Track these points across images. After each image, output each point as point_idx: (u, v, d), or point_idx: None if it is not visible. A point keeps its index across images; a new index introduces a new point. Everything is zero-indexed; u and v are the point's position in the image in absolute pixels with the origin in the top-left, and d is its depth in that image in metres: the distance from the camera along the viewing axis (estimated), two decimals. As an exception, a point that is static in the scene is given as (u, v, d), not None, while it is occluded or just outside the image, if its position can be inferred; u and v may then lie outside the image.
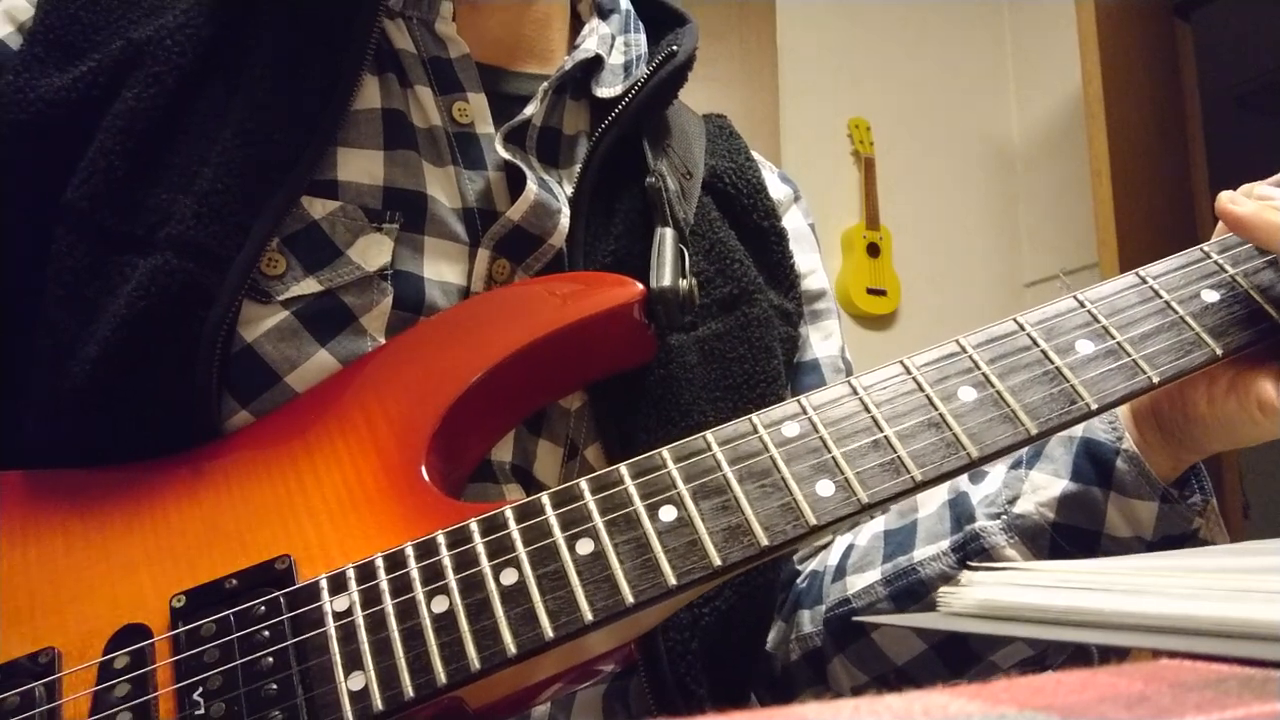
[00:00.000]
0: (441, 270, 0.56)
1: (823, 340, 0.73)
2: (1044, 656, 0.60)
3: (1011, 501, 0.58)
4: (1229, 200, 0.50)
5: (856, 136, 3.05)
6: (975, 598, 0.38)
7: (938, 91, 3.22)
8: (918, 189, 3.12)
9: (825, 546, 0.70)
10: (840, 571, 0.65)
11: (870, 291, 2.93)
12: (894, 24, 3.20)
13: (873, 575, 0.62)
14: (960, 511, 0.61)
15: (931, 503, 0.63)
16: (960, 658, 0.61)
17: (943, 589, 0.41)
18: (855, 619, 0.62)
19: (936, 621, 0.42)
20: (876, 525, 0.66)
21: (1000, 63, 3.35)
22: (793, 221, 0.75)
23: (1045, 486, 0.57)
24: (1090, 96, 2.53)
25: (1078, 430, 0.57)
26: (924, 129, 3.17)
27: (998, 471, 0.61)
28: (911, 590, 0.60)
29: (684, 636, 0.57)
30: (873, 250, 2.96)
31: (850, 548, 0.66)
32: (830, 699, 0.67)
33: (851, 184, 3.04)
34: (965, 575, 0.40)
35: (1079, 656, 0.57)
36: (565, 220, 0.58)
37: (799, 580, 0.68)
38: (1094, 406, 0.44)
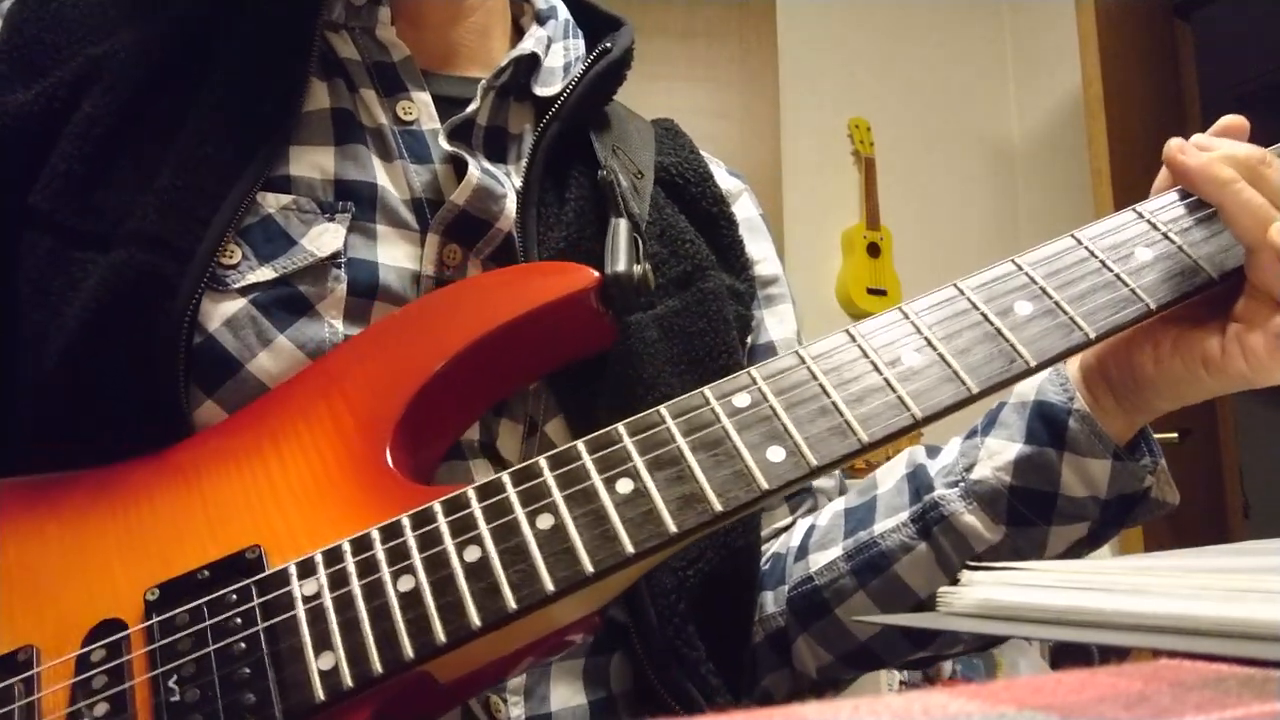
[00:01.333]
0: (395, 256, 0.58)
1: (778, 324, 0.75)
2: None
3: (968, 469, 0.59)
4: (1178, 149, 0.52)
5: (856, 136, 3.05)
6: (975, 597, 0.39)
7: (938, 91, 3.22)
8: (918, 189, 3.12)
9: (786, 529, 0.71)
10: (802, 551, 0.66)
11: (870, 291, 2.93)
12: (894, 24, 3.20)
13: (834, 552, 0.63)
14: (919, 484, 0.62)
15: (890, 478, 0.64)
16: (922, 631, 0.62)
17: (942, 589, 0.41)
18: (853, 620, 0.62)
19: (936, 621, 0.42)
20: (837, 505, 0.67)
21: (1000, 63, 3.35)
22: (743, 211, 0.77)
23: (1000, 451, 0.58)
24: (1090, 96, 2.54)
25: (1030, 395, 0.58)
26: (924, 129, 3.17)
27: (954, 443, 0.62)
28: (873, 563, 0.61)
29: (670, 600, 0.58)
30: (873, 250, 2.96)
31: (812, 528, 0.67)
32: (779, 690, 0.68)
33: (851, 184, 3.04)
34: (965, 575, 0.40)
35: (1079, 656, 0.58)
36: (511, 205, 0.61)
37: (762, 562, 0.69)
38: (1033, 364, 0.46)
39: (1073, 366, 0.58)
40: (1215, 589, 0.30)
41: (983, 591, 0.39)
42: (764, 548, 0.70)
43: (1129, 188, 2.49)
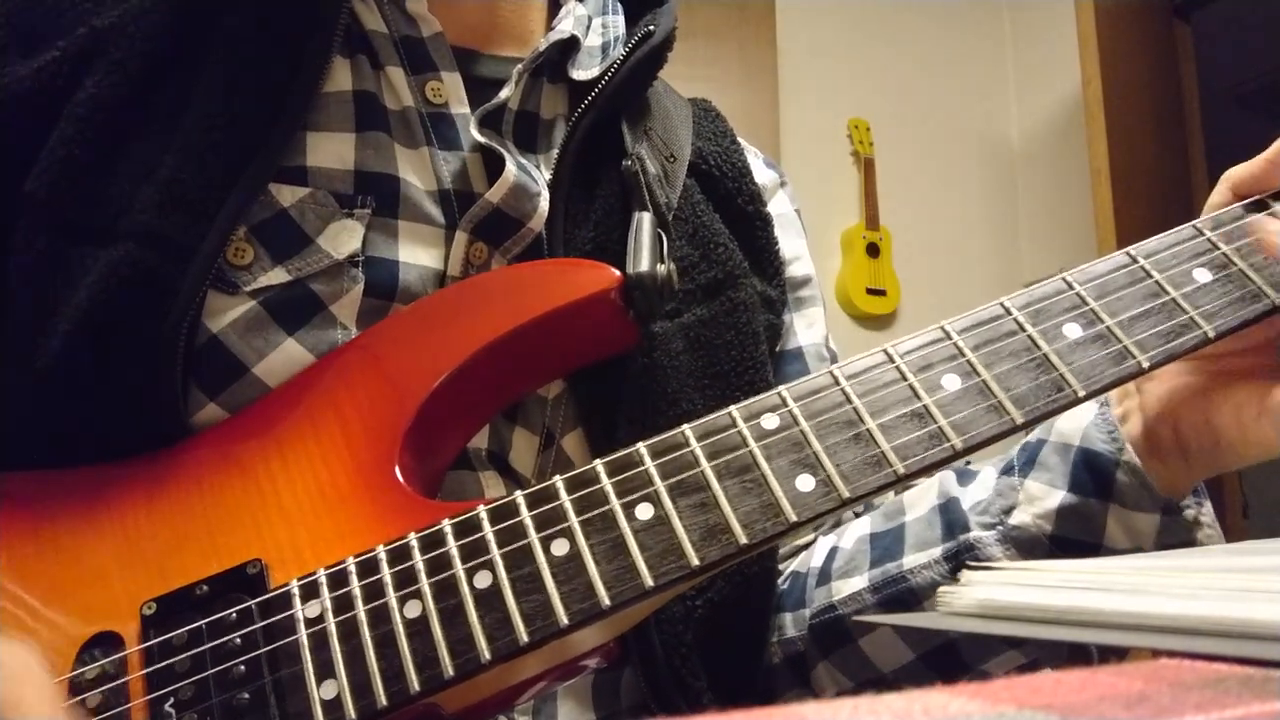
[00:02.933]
0: (417, 254, 0.55)
1: (807, 328, 0.72)
2: (1036, 664, 0.59)
3: (1006, 511, 0.56)
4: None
5: (856, 136, 3.05)
6: (975, 597, 0.38)
7: (938, 91, 3.21)
8: (918, 189, 3.11)
9: (807, 546, 0.68)
10: (825, 575, 0.63)
11: (870, 291, 2.93)
12: (894, 24, 3.20)
13: (859, 582, 0.61)
14: (951, 518, 0.59)
15: (919, 505, 0.62)
16: (949, 666, 0.59)
17: (942, 588, 0.41)
18: (854, 618, 0.61)
19: (936, 621, 0.42)
20: (862, 527, 0.64)
21: (1000, 63, 3.34)
22: (778, 207, 0.73)
23: (1042, 497, 0.55)
24: (1090, 96, 2.53)
25: (1074, 439, 0.55)
26: (924, 129, 3.17)
27: (987, 476, 0.59)
28: (900, 599, 0.59)
29: (678, 629, 0.56)
30: (872, 250, 2.96)
31: (834, 550, 0.64)
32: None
33: (851, 184, 3.04)
34: (965, 575, 0.40)
35: (1078, 657, 0.57)
36: (545, 204, 0.57)
37: (780, 581, 0.67)
38: (1082, 394, 0.43)
39: (1133, 422, 0.54)
40: (1215, 589, 0.29)
41: (983, 591, 0.38)
42: (783, 565, 0.68)
43: (1129, 188, 2.49)
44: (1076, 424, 0.56)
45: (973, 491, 0.59)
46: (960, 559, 0.57)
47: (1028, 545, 0.56)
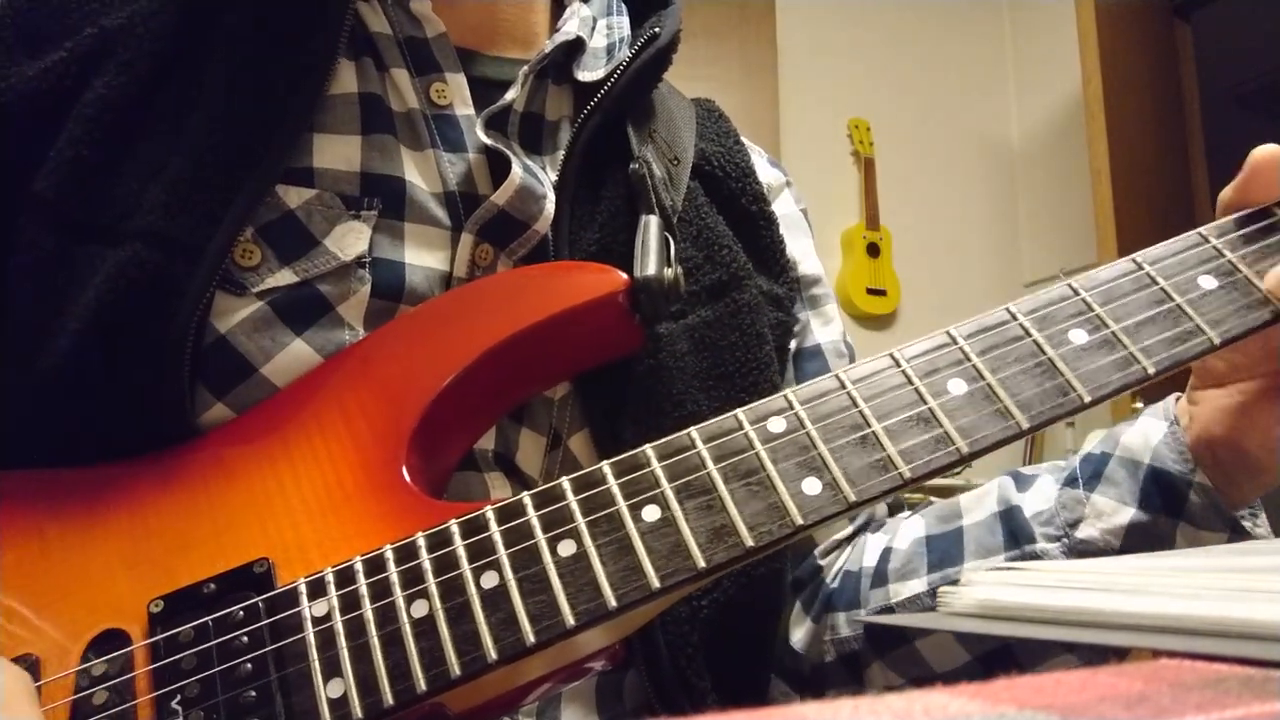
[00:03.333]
0: (423, 256, 0.56)
1: (823, 326, 0.72)
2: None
3: (1073, 525, 0.57)
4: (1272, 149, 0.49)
5: (856, 136, 3.05)
6: (975, 597, 0.38)
7: (938, 91, 3.22)
8: (918, 189, 3.12)
9: (847, 541, 0.69)
10: (881, 577, 0.64)
11: (870, 291, 2.93)
12: (894, 24, 3.20)
13: (918, 585, 0.61)
14: (1014, 526, 0.59)
15: (977, 510, 0.62)
16: (1005, 669, 0.59)
17: (943, 589, 0.41)
18: (854, 618, 0.61)
19: (936, 621, 0.42)
20: (916, 529, 0.64)
21: (1000, 63, 3.35)
22: (783, 207, 0.74)
23: (1110, 513, 0.55)
24: (1090, 96, 2.53)
25: (1144, 456, 0.55)
26: (924, 129, 3.17)
27: (1047, 485, 0.59)
28: None
29: (683, 630, 0.56)
30: (873, 250, 2.96)
31: (888, 551, 0.65)
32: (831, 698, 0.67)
33: (851, 184, 3.04)
34: (966, 575, 0.40)
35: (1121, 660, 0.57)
36: (550, 206, 0.58)
37: (828, 579, 0.67)
38: (1087, 400, 0.43)
39: (1195, 432, 0.54)
40: (1215, 589, 0.29)
41: (983, 591, 0.38)
42: (826, 561, 0.68)
43: (1129, 188, 2.49)
44: (1145, 441, 0.56)
45: (1032, 500, 0.59)
46: None
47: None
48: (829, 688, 0.66)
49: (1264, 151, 0.49)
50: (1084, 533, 0.56)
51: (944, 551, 0.61)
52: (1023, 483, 0.61)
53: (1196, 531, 0.54)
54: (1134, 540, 0.55)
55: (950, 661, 0.60)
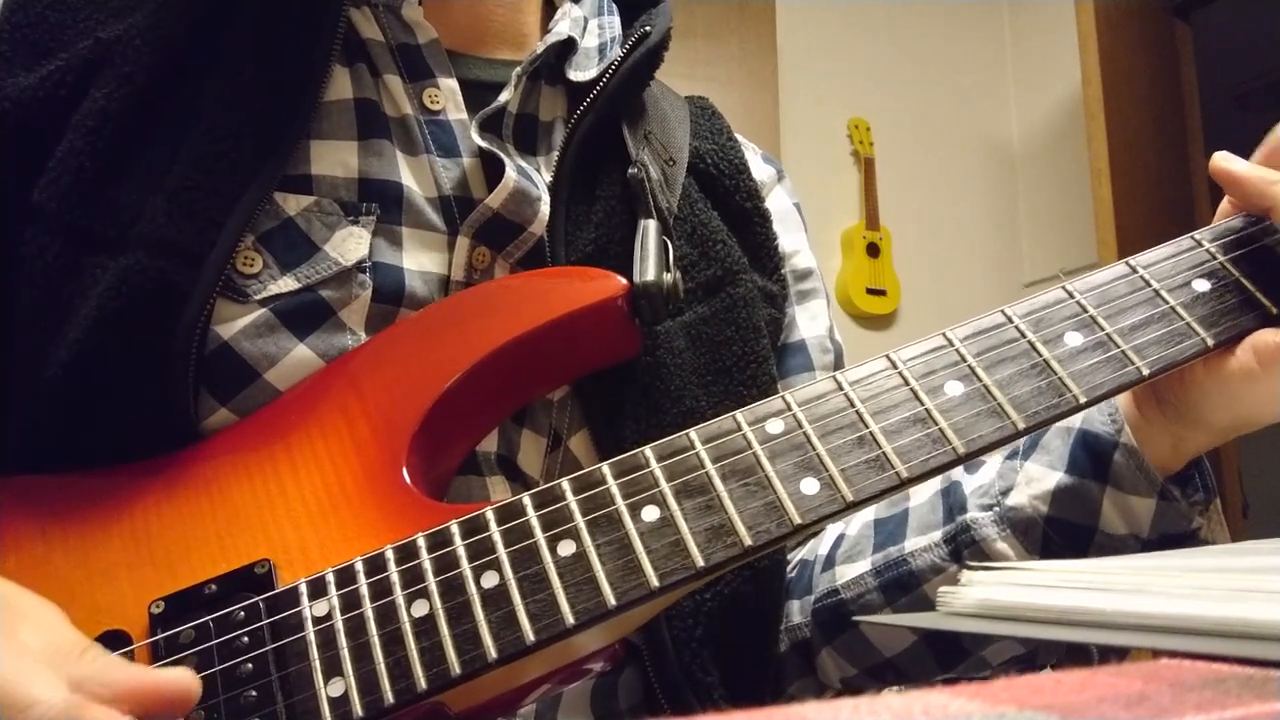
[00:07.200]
0: (421, 260, 0.56)
1: (809, 321, 0.73)
2: (1034, 654, 0.59)
3: (1005, 493, 0.57)
4: (1223, 158, 0.49)
5: (856, 136, 3.05)
6: (975, 597, 0.38)
7: (938, 91, 3.21)
8: (918, 189, 3.11)
9: (815, 534, 0.69)
10: (829, 561, 0.64)
11: (870, 291, 2.92)
12: (894, 24, 3.19)
13: (862, 566, 0.62)
14: (953, 501, 0.60)
15: (924, 491, 0.62)
16: (950, 651, 0.60)
17: (942, 588, 0.41)
18: (854, 619, 0.62)
19: (936, 621, 0.42)
20: (867, 514, 0.65)
21: (1000, 63, 3.34)
22: (776, 202, 0.74)
23: (1039, 478, 0.56)
24: (1090, 96, 2.53)
25: (1076, 420, 0.55)
26: (924, 129, 3.17)
27: (993, 461, 0.60)
28: (901, 581, 0.60)
29: (688, 624, 0.56)
30: (872, 250, 2.96)
31: (841, 537, 0.65)
32: (830, 698, 0.67)
33: (851, 184, 3.04)
34: (965, 575, 0.40)
35: (1077, 656, 0.57)
36: (545, 208, 0.58)
37: (789, 570, 0.68)
38: (1082, 400, 0.44)
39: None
40: (1215, 589, 0.29)
41: (982, 591, 0.38)
42: (790, 554, 0.69)
43: (1129, 188, 2.49)
44: None
45: (976, 476, 0.60)
46: (958, 540, 0.58)
47: (1023, 526, 0.56)
48: (785, 679, 0.66)
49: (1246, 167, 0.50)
50: (1013, 499, 0.56)
51: (889, 532, 0.62)
52: (972, 466, 0.61)
53: (1124, 496, 0.53)
54: (1062, 505, 0.55)
55: (897, 644, 0.61)
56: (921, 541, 0.60)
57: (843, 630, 0.62)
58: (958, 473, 0.61)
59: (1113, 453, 0.54)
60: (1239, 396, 0.48)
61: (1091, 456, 0.54)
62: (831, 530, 0.67)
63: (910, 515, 0.62)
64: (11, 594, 0.40)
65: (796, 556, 0.68)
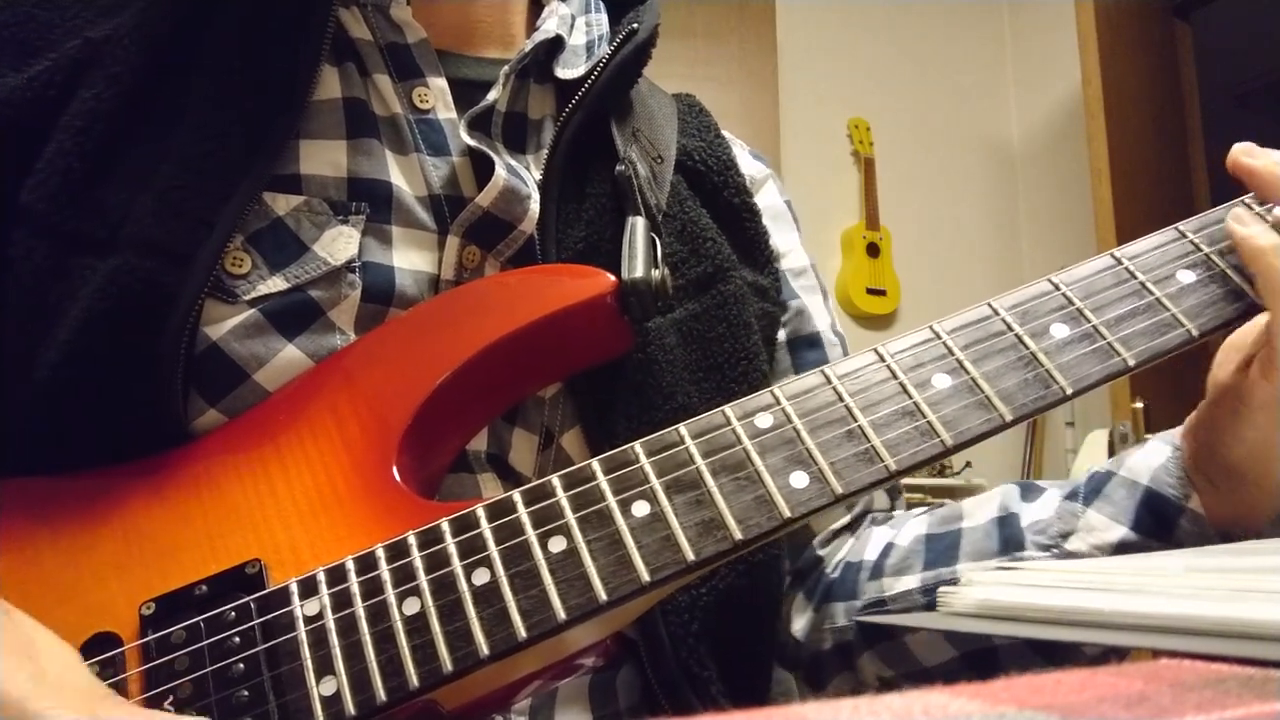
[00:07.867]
0: (411, 259, 0.56)
1: (820, 315, 0.73)
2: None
3: (1064, 536, 0.57)
4: (1243, 152, 0.50)
5: (856, 136, 3.05)
6: (975, 597, 0.38)
7: (938, 91, 3.21)
8: (918, 189, 3.11)
9: (850, 531, 0.69)
10: (878, 570, 0.64)
11: (870, 291, 2.93)
12: (894, 24, 3.20)
13: (910, 581, 0.62)
14: (1009, 534, 0.60)
15: (978, 514, 0.63)
16: (987, 669, 0.60)
17: (943, 589, 0.41)
18: (857, 618, 0.62)
19: (936, 621, 0.42)
20: (918, 527, 0.65)
21: (1000, 63, 3.34)
22: (766, 199, 0.74)
23: (1101, 529, 0.56)
24: (1090, 96, 2.53)
25: (1143, 478, 0.56)
26: (924, 129, 3.17)
27: (1050, 497, 0.60)
28: None
29: (684, 619, 0.57)
30: (872, 250, 2.96)
31: (889, 546, 0.65)
32: (841, 695, 0.68)
33: (851, 184, 3.04)
34: (965, 575, 0.40)
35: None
36: (535, 206, 0.58)
37: (829, 569, 0.68)
38: (1069, 391, 0.44)
39: (1187, 454, 0.55)
40: (1215, 589, 0.30)
41: (983, 591, 0.38)
42: (826, 551, 0.69)
43: (1129, 188, 2.49)
44: (1148, 463, 0.57)
45: (1033, 510, 0.60)
46: None
47: None
48: (826, 675, 0.67)
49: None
50: (1074, 545, 0.57)
51: (940, 551, 0.62)
52: (1029, 494, 0.62)
53: None
54: None
55: (936, 657, 0.61)
56: (975, 569, 0.60)
57: (886, 639, 0.63)
58: (1014, 502, 0.62)
59: (1179, 518, 0.54)
60: (1257, 421, 0.49)
61: (1157, 517, 0.55)
62: (879, 536, 0.68)
63: (964, 538, 0.62)
64: (29, 628, 0.40)
65: (837, 556, 0.69)
